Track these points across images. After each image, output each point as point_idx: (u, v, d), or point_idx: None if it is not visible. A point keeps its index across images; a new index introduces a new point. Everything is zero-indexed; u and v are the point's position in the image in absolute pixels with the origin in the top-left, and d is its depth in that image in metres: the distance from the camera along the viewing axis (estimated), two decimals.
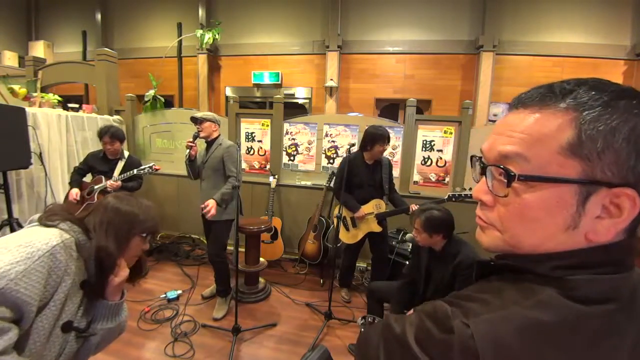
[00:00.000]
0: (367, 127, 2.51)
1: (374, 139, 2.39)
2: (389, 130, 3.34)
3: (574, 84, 0.36)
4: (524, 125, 0.36)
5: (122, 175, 2.76)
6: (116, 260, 0.93)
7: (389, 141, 2.45)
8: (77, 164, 3.07)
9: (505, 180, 0.36)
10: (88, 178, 2.93)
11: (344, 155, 2.65)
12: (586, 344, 0.33)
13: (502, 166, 0.37)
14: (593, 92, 0.34)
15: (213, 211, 2.25)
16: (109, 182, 2.69)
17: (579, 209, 0.34)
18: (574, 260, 0.36)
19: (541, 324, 0.32)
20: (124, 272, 0.97)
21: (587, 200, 0.34)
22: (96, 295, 0.95)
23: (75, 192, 2.71)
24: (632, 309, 0.35)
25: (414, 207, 2.40)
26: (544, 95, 0.36)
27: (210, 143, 2.55)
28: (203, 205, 2.28)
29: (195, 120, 2.49)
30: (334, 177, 2.70)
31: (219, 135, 2.60)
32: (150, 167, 2.76)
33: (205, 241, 2.85)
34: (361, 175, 2.48)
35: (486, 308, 0.35)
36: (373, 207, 2.55)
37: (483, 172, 0.41)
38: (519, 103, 0.39)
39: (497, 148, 0.38)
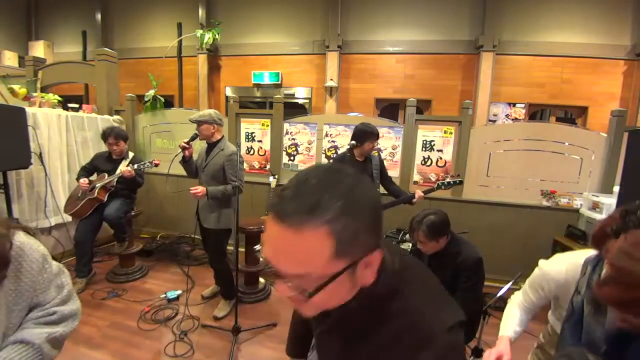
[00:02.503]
0: (357, 125, 2.50)
1: (365, 135, 2.39)
2: (389, 130, 3.40)
3: (320, 192, 0.43)
4: (295, 247, 0.43)
5: (129, 167, 2.77)
6: None
7: (377, 138, 2.49)
8: (76, 164, 3.08)
9: (301, 295, 0.46)
10: (93, 178, 2.95)
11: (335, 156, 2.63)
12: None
13: (296, 288, 0.46)
14: (334, 200, 0.42)
15: (200, 194, 2.25)
16: (126, 169, 2.71)
17: (352, 278, 0.48)
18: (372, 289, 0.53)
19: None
20: None
21: (354, 272, 0.48)
22: None
23: (83, 180, 2.77)
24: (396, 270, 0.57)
25: (419, 192, 2.39)
26: (301, 213, 0.42)
27: (211, 146, 2.40)
28: (193, 188, 2.26)
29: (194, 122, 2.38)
30: None
31: (222, 138, 2.41)
32: (150, 162, 2.79)
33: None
34: None
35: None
36: None
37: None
38: (281, 217, 0.43)
39: (282, 269, 0.46)
